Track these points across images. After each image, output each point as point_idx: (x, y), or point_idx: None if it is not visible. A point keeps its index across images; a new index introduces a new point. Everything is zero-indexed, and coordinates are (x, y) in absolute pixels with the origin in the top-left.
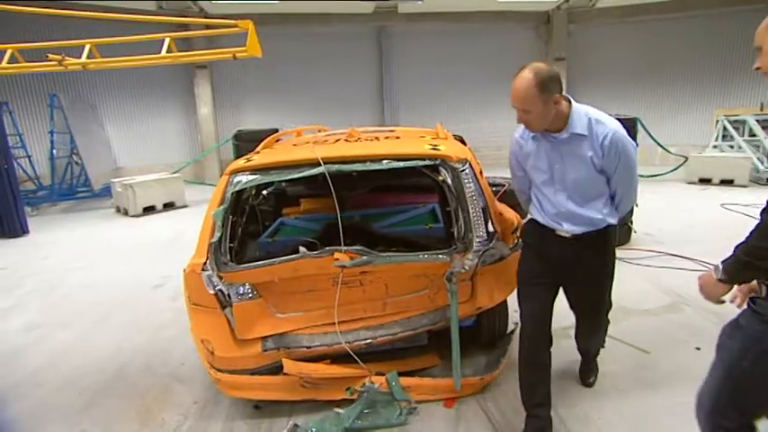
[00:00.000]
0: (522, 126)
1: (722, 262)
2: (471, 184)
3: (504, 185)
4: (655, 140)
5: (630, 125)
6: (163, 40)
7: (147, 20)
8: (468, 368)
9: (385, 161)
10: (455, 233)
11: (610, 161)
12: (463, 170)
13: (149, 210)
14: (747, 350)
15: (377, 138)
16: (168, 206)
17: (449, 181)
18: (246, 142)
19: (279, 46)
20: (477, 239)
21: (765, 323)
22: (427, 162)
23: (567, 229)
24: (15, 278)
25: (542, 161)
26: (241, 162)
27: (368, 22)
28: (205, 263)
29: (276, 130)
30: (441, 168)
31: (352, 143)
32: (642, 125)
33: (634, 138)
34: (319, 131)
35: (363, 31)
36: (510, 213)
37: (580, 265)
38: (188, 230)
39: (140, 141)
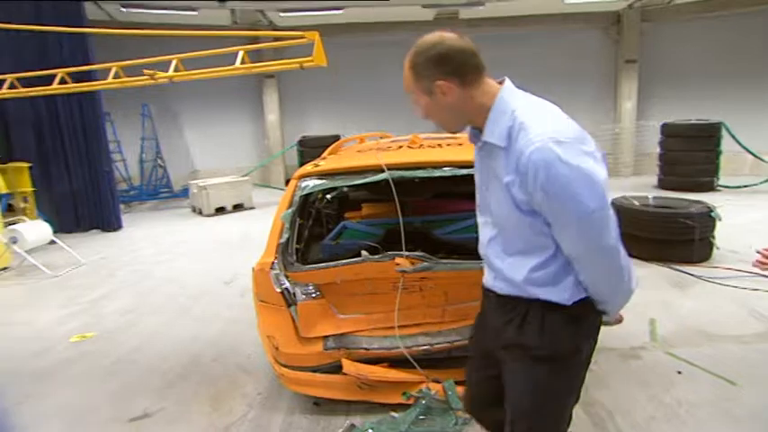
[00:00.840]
0: None
1: None
2: None
3: None
4: (744, 147)
5: (714, 131)
6: (237, 53)
7: (223, 35)
8: None
9: (448, 168)
10: None
11: (531, 196)
12: None
13: (220, 210)
14: None
15: (439, 144)
16: (237, 207)
17: None
18: (310, 148)
19: (341, 54)
20: None
21: None
22: None
23: (486, 280)
24: (111, 268)
25: (477, 175)
26: (308, 167)
27: (428, 29)
28: (273, 262)
29: (338, 137)
30: None
31: (414, 150)
32: (728, 130)
33: (716, 144)
34: (381, 138)
35: None
36: None
37: (505, 350)
38: (255, 231)
39: (214, 146)
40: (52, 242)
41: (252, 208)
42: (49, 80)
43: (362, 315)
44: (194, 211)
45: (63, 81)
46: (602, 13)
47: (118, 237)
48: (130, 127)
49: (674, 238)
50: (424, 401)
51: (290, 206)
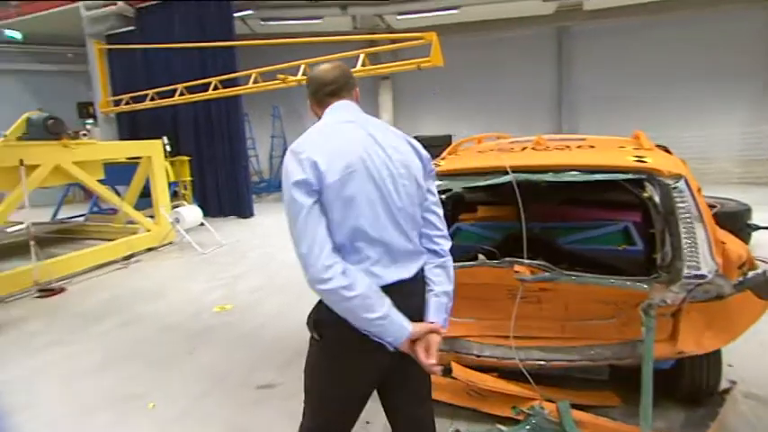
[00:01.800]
0: None
1: None
2: (686, 204)
3: (715, 206)
4: None
5: None
6: (358, 56)
7: (344, 39)
8: (659, 420)
9: (580, 172)
10: (658, 259)
11: None
12: (676, 187)
13: None
14: None
15: (567, 147)
16: None
17: (656, 198)
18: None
19: (454, 54)
20: (688, 270)
21: None
22: (631, 176)
23: None
24: (244, 250)
25: None
26: None
27: (548, 24)
28: None
29: (450, 137)
30: (647, 183)
31: (540, 152)
32: None
33: None
34: (499, 138)
35: (542, 33)
36: (735, 243)
37: None
38: None
39: None
40: (201, 224)
41: None
42: (206, 87)
43: (475, 320)
44: None
45: (216, 87)
46: None
47: (250, 223)
48: (263, 126)
49: None
50: (534, 420)
51: None
